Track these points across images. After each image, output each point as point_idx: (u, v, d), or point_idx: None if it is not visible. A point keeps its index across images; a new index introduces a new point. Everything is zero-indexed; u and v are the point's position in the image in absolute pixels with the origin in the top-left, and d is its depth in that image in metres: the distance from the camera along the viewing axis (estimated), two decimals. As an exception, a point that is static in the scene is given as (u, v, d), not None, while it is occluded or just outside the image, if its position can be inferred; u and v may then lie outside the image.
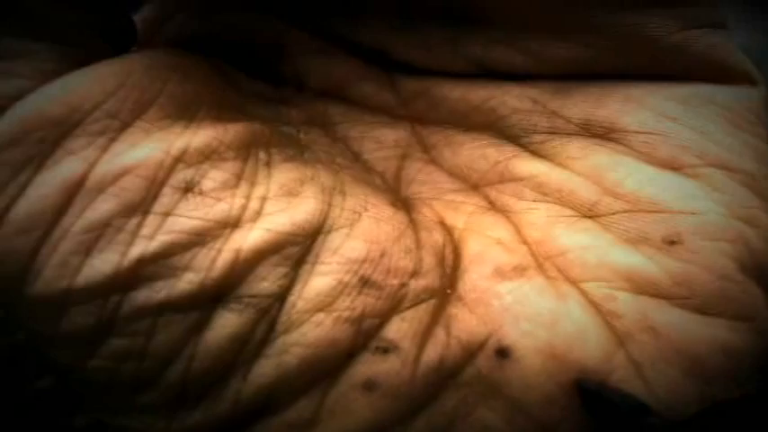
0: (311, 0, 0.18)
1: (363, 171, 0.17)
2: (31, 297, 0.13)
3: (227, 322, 0.13)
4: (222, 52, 0.17)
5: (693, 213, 0.14)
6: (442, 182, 0.17)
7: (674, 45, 0.15)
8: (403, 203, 0.16)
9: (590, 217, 0.15)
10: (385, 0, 0.17)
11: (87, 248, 0.13)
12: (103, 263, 0.13)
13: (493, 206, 0.16)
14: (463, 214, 0.16)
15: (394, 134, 0.18)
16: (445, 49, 0.17)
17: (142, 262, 0.13)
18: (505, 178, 0.16)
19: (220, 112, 0.15)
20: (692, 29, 0.15)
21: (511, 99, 0.17)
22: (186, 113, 0.14)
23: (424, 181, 0.17)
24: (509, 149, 0.17)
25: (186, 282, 0.13)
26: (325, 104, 0.18)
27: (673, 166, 0.15)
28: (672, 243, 0.14)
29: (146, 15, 0.18)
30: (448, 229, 0.16)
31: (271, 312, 0.13)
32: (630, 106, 0.15)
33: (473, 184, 0.17)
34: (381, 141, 0.18)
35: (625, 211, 0.15)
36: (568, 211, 0.15)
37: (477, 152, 0.17)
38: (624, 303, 0.14)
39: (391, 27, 0.17)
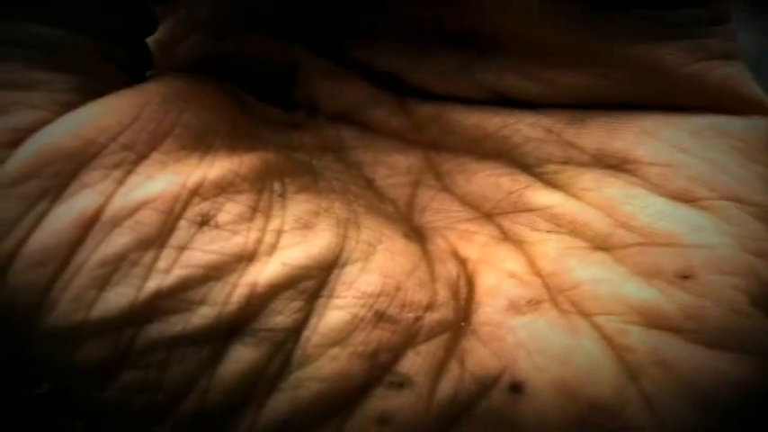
0: (325, 23, 0.17)
1: (376, 199, 0.17)
2: (45, 330, 0.13)
3: (241, 356, 0.13)
4: (235, 75, 0.17)
5: (705, 247, 0.14)
6: (455, 210, 0.17)
7: (688, 76, 0.15)
8: (416, 233, 0.16)
9: (603, 249, 0.15)
10: (399, 24, 0.17)
11: (103, 282, 0.13)
12: (119, 297, 0.13)
13: (506, 237, 0.16)
14: (476, 245, 0.16)
15: (406, 160, 0.18)
16: (459, 75, 0.17)
17: (158, 296, 0.13)
18: (519, 208, 0.16)
19: (235, 141, 0.15)
20: (707, 60, 0.15)
21: (525, 127, 0.16)
22: (201, 144, 0.14)
23: (437, 209, 0.17)
24: (523, 179, 0.17)
25: (201, 316, 0.13)
26: (338, 129, 0.18)
27: (686, 199, 0.15)
28: (685, 277, 0.14)
29: (159, 38, 0.17)
30: (461, 261, 0.16)
31: (286, 346, 0.13)
32: (644, 137, 0.15)
33: (486, 214, 0.17)
34: (394, 167, 0.18)
35: (638, 245, 0.15)
36: (582, 243, 0.15)
37: (491, 181, 0.17)
38: (636, 337, 0.14)
39: (405, 51, 0.17)
